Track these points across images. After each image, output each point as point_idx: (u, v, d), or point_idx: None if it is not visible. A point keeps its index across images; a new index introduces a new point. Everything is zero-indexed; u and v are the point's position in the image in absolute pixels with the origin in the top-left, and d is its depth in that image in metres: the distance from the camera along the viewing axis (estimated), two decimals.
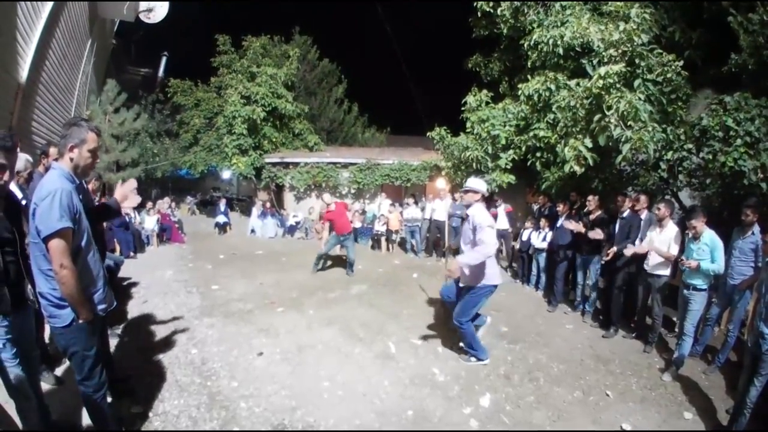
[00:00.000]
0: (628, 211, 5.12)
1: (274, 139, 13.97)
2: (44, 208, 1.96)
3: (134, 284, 6.10)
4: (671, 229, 4.42)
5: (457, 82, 10.72)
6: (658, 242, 4.45)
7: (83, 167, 2.23)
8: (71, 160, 2.16)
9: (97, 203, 3.28)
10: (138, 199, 2.88)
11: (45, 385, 3.04)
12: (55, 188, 1.99)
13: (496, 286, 3.93)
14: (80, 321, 2.10)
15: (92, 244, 2.25)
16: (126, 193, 2.74)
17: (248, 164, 13.23)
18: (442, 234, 8.90)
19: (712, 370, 4.11)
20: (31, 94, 6.73)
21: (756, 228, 4.07)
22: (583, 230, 5.35)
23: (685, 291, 4.06)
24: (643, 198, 5.09)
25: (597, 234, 5.07)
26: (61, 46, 7.90)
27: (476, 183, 3.96)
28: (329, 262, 8.05)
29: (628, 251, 4.63)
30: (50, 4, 6.72)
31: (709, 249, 3.86)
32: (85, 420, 2.54)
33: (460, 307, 3.95)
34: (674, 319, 4.67)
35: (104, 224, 4.04)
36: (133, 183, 2.81)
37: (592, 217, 5.48)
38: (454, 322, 4.00)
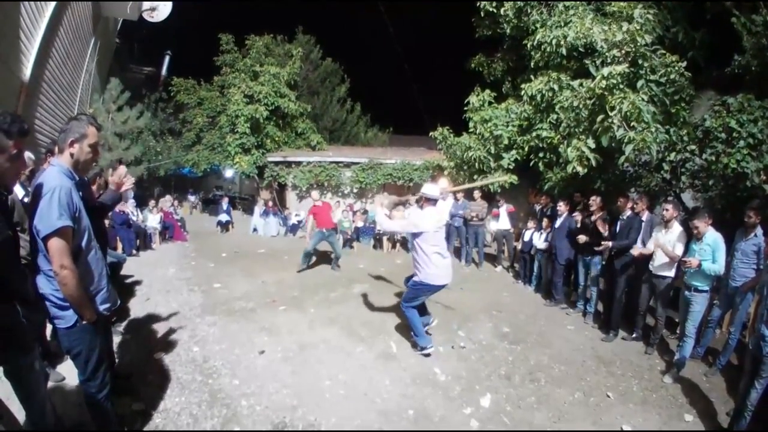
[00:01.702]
0: (629, 212, 5.11)
1: (276, 138, 14.00)
2: (43, 207, 1.90)
3: (136, 282, 6.12)
4: (676, 229, 4.41)
5: (459, 82, 10.72)
6: (663, 243, 4.44)
7: (84, 163, 2.18)
8: (71, 155, 2.10)
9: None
10: (132, 180, 2.86)
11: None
12: (54, 186, 1.93)
13: (435, 287, 4.13)
14: (84, 322, 2.07)
15: (93, 242, 2.21)
16: (119, 180, 2.72)
17: (251, 163, 13.26)
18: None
19: (713, 373, 4.10)
20: (35, 93, 6.75)
21: (759, 230, 4.05)
22: (587, 239, 5.33)
23: (687, 292, 4.06)
24: (643, 200, 5.09)
25: (605, 244, 5.04)
26: (64, 44, 7.92)
27: (429, 189, 4.21)
28: (321, 261, 8.06)
29: (635, 251, 4.61)
30: (53, 3, 6.74)
31: (711, 249, 3.85)
32: (87, 418, 2.56)
33: (404, 294, 4.40)
34: (676, 320, 4.65)
35: (106, 222, 4.04)
36: (122, 169, 2.79)
37: (593, 217, 5.47)
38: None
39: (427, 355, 4.13)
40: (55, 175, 2.01)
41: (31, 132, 3.94)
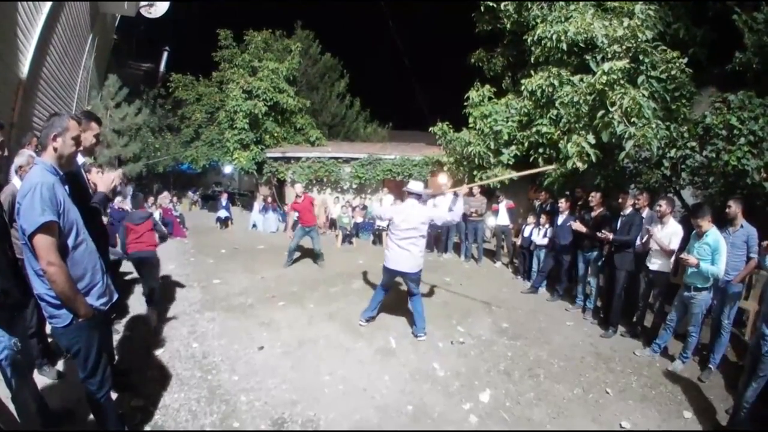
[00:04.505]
0: (630, 208, 5.10)
1: (275, 134, 13.95)
2: (26, 205, 1.88)
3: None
4: (672, 225, 4.42)
5: (459, 77, 10.68)
6: (659, 238, 4.45)
7: (68, 156, 2.16)
8: (55, 150, 2.09)
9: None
10: (119, 172, 2.88)
11: (46, 380, 3.06)
12: (35, 183, 1.91)
13: (386, 269, 4.57)
14: (79, 320, 2.05)
15: (84, 236, 2.16)
16: (109, 183, 2.76)
17: (250, 159, 13.22)
18: (443, 229, 8.90)
19: (711, 371, 4.09)
20: (33, 90, 6.71)
21: (744, 222, 4.09)
22: (585, 230, 5.32)
23: (686, 293, 4.03)
24: (644, 196, 5.08)
25: (605, 235, 5.04)
26: (62, 41, 7.87)
27: (412, 185, 4.57)
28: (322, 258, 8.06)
29: (651, 232, 4.59)
30: (50, 0, 6.69)
31: (710, 249, 3.79)
32: (87, 413, 2.56)
33: None
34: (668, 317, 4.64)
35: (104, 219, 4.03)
36: (114, 173, 2.82)
37: (594, 213, 5.46)
38: None
39: (361, 323, 4.67)
40: (37, 173, 1.99)
41: (24, 135, 4.00)
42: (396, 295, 5.81)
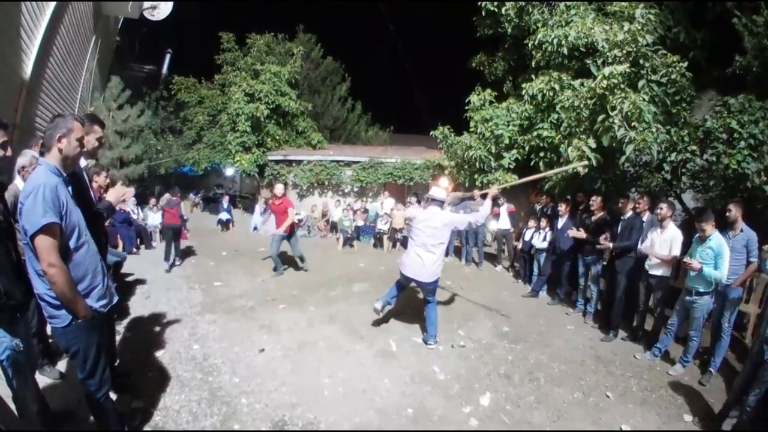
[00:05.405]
0: (630, 212, 5.11)
1: (277, 137, 13.98)
2: (28, 206, 1.89)
3: (137, 280, 6.13)
4: (671, 229, 4.41)
5: (460, 81, 10.72)
6: (659, 242, 4.45)
7: (72, 157, 2.17)
8: (60, 151, 2.09)
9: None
10: (132, 191, 2.92)
11: (47, 380, 3.07)
12: (39, 184, 1.92)
13: (401, 273, 4.55)
14: (79, 320, 2.06)
15: (85, 238, 2.16)
16: (119, 196, 2.79)
17: (251, 161, 13.24)
18: None
19: (711, 375, 4.09)
20: (35, 91, 6.74)
21: (744, 225, 4.08)
22: (584, 236, 5.34)
23: (687, 297, 4.02)
24: (645, 199, 5.09)
25: (605, 243, 5.04)
26: (65, 43, 7.91)
27: (436, 192, 4.53)
28: (320, 260, 8.05)
29: (647, 250, 4.59)
30: (54, 2, 6.73)
31: (713, 254, 3.79)
32: (87, 414, 2.57)
33: None
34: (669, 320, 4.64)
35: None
36: (122, 189, 2.85)
37: (594, 218, 5.47)
38: None
39: (375, 306, 4.57)
40: (40, 174, 2.00)
41: (27, 136, 4.02)
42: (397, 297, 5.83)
